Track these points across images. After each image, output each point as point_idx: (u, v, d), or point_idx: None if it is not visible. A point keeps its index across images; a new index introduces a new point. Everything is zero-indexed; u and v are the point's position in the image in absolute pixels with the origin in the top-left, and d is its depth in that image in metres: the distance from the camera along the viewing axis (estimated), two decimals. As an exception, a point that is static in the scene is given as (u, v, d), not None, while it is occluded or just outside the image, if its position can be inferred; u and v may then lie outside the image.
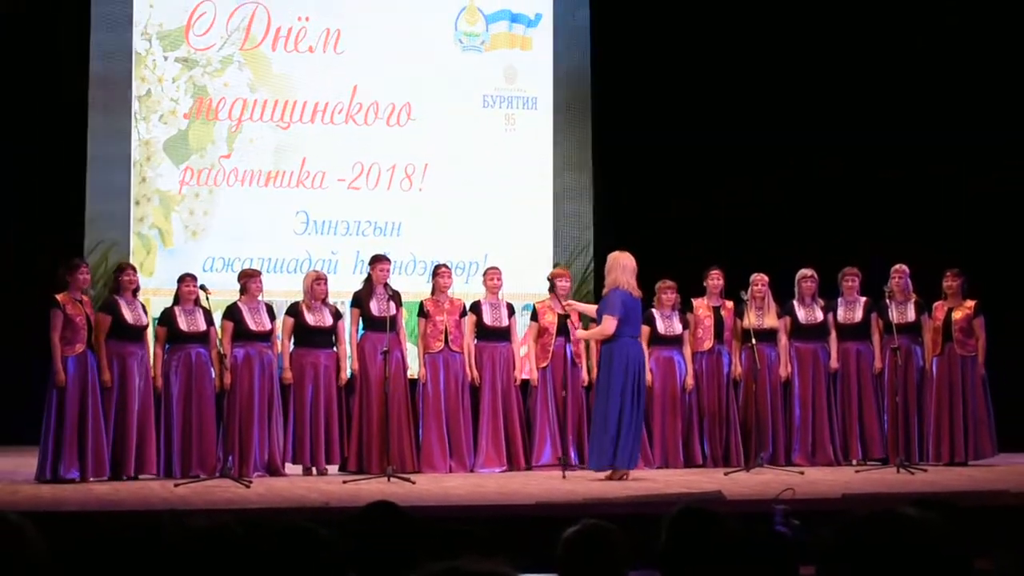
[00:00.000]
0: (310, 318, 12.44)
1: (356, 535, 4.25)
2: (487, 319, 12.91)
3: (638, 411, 11.27)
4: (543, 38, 16.24)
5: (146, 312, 12.08)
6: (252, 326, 12.21)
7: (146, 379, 11.81)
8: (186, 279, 12.21)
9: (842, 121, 15.92)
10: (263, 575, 3.22)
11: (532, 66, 16.15)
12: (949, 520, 3.99)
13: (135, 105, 14.98)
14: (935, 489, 9.62)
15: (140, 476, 11.64)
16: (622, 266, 11.29)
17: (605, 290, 11.52)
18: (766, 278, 13.17)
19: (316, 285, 12.50)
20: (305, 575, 3.24)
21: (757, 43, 16.29)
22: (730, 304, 13.29)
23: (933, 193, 15.69)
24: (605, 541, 4.25)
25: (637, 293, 11.39)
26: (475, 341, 12.92)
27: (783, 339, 13.15)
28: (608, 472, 11.15)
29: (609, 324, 11.25)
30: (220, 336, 12.05)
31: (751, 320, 12.80)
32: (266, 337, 12.30)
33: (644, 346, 11.98)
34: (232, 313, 12.26)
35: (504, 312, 13.00)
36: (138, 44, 15.05)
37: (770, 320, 13.09)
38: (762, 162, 16.07)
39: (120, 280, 11.96)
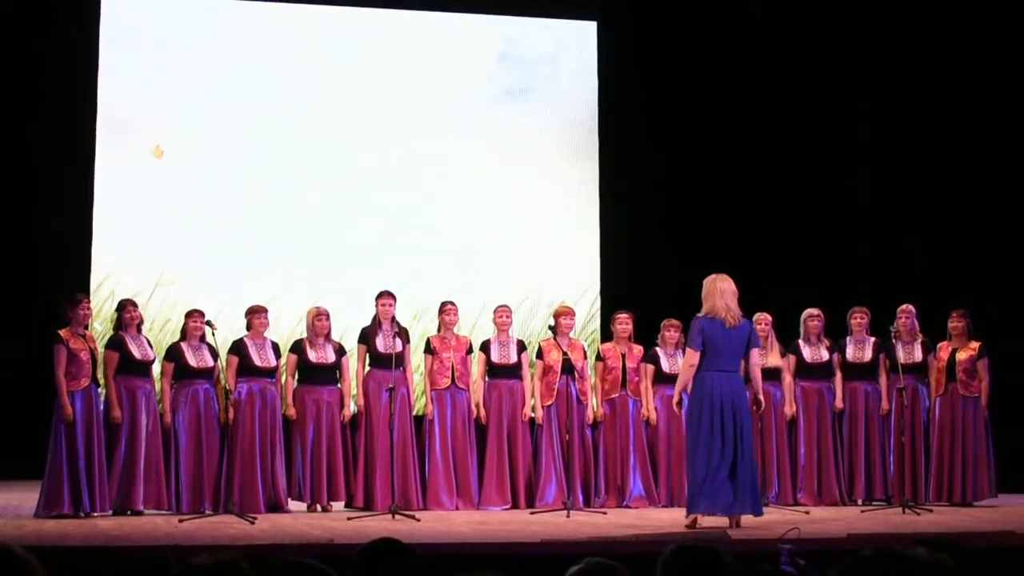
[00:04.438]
0: (312, 355, 12.43)
1: (360, 573, 4.25)
2: (495, 357, 12.89)
3: (733, 449, 10.02)
4: (549, 74, 16.36)
5: (151, 347, 12.12)
6: (257, 362, 12.21)
7: (154, 414, 11.84)
8: (193, 315, 12.24)
9: (858, 154, 16.00)
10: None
11: (538, 104, 16.25)
12: (955, 560, 3.99)
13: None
14: (941, 530, 9.59)
15: (149, 510, 11.65)
16: (719, 290, 10.18)
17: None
18: (769, 317, 13.13)
19: (318, 321, 12.50)
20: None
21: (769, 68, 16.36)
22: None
23: (940, 233, 15.70)
24: (609, 579, 4.24)
25: (733, 320, 10.13)
26: (484, 379, 12.92)
27: (787, 378, 13.12)
28: (693, 518, 10.07)
29: (687, 358, 10.27)
30: (224, 371, 12.07)
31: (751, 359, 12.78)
32: (271, 374, 12.30)
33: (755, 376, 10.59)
34: (238, 348, 12.26)
35: (513, 349, 12.97)
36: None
37: (773, 359, 13.06)
38: (773, 199, 16.10)
39: (123, 317, 12.01)
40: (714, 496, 9.94)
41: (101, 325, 12.98)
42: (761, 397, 10.76)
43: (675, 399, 10.62)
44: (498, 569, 4.16)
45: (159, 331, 14.25)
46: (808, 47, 16.43)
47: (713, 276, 10.32)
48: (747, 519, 10.08)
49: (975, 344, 13.07)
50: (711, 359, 10.09)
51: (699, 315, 10.20)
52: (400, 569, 4.28)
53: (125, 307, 12.13)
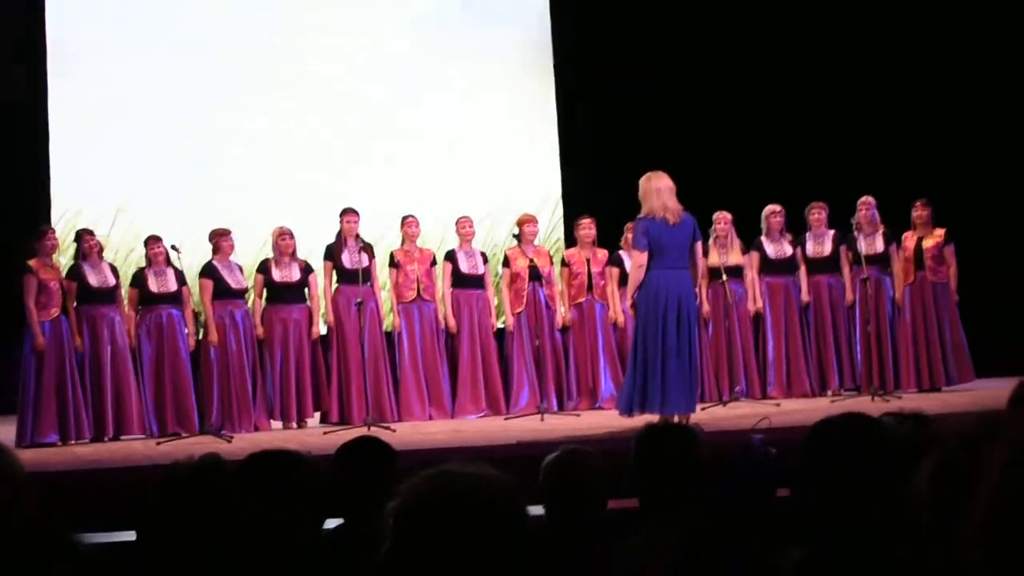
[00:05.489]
0: (277, 274, 12.49)
1: (339, 468, 4.31)
2: (463, 267, 12.95)
3: (674, 348, 9.68)
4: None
5: (116, 274, 12.14)
6: (231, 284, 12.28)
7: (122, 339, 11.89)
8: (151, 241, 12.26)
9: (809, 52, 15.98)
10: (253, 494, 3.28)
11: (492, 14, 16.17)
12: (922, 430, 4.07)
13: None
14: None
15: (122, 437, 11.72)
16: (654, 190, 9.77)
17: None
18: (729, 215, 13.20)
19: (281, 240, 12.53)
20: (292, 494, 3.29)
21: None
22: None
23: (898, 122, 15.72)
24: (584, 464, 4.31)
25: (674, 217, 9.74)
26: (451, 289, 12.98)
27: (750, 274, 13.20)
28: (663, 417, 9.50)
29: (635, 259, 9.96)
30: (199, 294, 12.13)
31: (715, 258, 12.84)
32: (243, 295, 12.37)
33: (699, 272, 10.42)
34: (210, 271, 12.30)
35: (479, 259, 13.06)
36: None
37: (735, 257, 13.13)
38: (726, 98, 16.08)
39: (81, 247, 12.04)
40: (653, 396, 9.68)
41: (64, 258, 12.93)
42: (704, 293, 10.72)
43: (628, 301, 10.45)
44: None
45: (123, 260, 14.19)
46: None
47: (647, 175, 9.95)
48: (718, 412, 10.15)
49: (940, 231, 13.16)
50: (658, 258, 9.78)
51: (640, 216, 9.90)
52: (378, 463, 4.34)
53: (82, 236, 12.18)
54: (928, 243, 13.12)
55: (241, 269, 12.51)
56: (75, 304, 11.80)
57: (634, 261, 10.05)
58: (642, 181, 9.91)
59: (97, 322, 11.83)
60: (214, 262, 12.37)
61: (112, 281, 12.04)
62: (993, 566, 1.59)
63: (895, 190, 13.59)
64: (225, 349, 12.10)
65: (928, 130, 15.59)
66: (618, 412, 10.08)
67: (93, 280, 11.89)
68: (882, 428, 3.00)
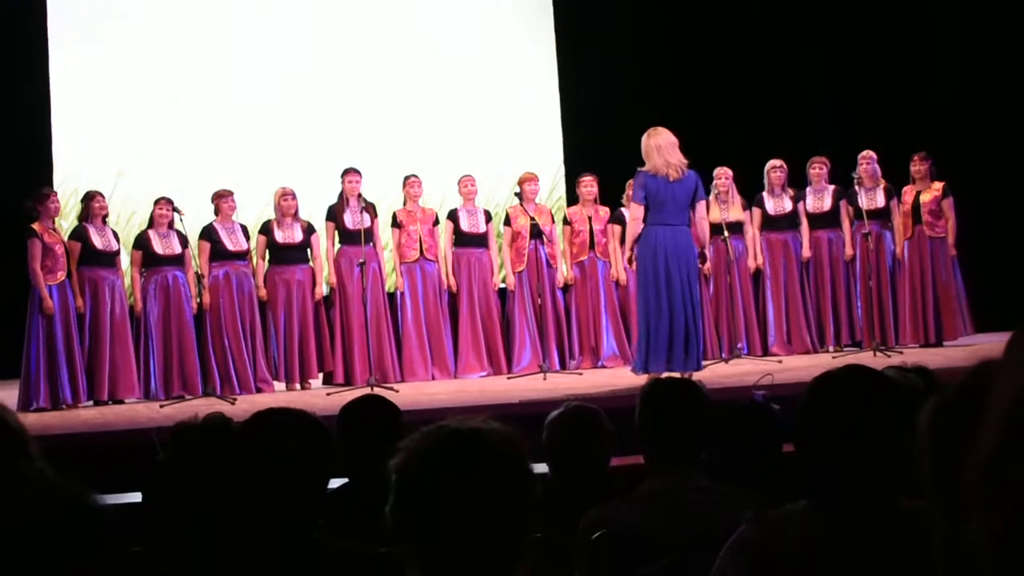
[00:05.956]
0: (280, 235, 12.47)
1: (344, 426, 4.33)
2: (464, 226, 12.94)
3: (672, 305, 9.64)
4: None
5: (117, 239, 12.13)
6: (229, 246, 12.26)
7: (121, 304, 11.87)
8: (160, 202, 12.21)
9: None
10: (258, 453, 3.29)
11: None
12: (925, 382, 4.08)
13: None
14: (911, 368, 9.67)
15: (124, 400, 11.72)
16: (655, 147, 9.63)
17: None
18: (730, 172, 13.19)
19: (284, 201, 12.51)
20: (298, 453, 3.30)
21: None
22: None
23: (900, 78, 15.67)
24: (588, 421, 4.32)
25: (677, 172, 9.57)
26: (452, 248, 12.97)
27: (751, 230, 13.20)
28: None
29: (632, 212, 9.97)
30: (196, 257, 12.10)
31: (716, 214, 12.80)
32: (243, 256, 12.35)
33: (701, 229, 10.07)
34: (209, 233, 12.29)
35: (481, 218, 13.05)
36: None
37: (735, 213, 13.13)
38: (728, 53, 16.02)
39: (91, 207, 12.00)
40: (657, 354, 9.65)
41: (67, 223, 12.90)
42: (707, 252, 10.72)
43: (627, 255, 10.40)
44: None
45: (125, 224, 14.16)
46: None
47: (647, 132, 9.80)
48: (720, 369, 10.17)
49: (939, 184, 13.13)
50: (656, 213, 9.64)
51: (642, 169, 9.76)
52: (383, 421, 4.36)
53: (93, 197, 12.11)
54: (926, 197, 13.10)
55: (245, 230, 12.48)
56: (76, 266, 11.78)
57: (631, 213, 10.10)
58: (644, 139, 9.82)
59: (99, 285, 11.80)
60: (214, 224, 12.35)
61: (115, 246, 12.03)
62: (996, 508, 1.60)
63: (897, 144, 13.56)
64: (219, 311, 12.09)
65: (931, 83, 15.54)
66: (631, 370, 10.20)
67: (98, 243, 11.86)
68: (884, 381, 3.00)
